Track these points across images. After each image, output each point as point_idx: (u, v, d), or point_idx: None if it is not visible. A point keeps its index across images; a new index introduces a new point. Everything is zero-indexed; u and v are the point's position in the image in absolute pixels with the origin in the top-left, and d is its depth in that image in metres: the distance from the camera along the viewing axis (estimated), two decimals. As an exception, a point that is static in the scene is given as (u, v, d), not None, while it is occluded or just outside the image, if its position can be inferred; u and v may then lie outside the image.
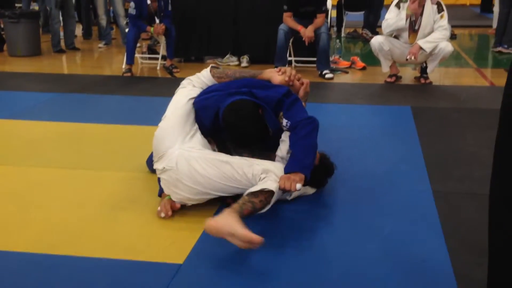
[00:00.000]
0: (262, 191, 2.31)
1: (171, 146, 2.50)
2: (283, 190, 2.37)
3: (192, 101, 2.67)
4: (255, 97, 2.54)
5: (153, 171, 2.71)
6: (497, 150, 1.38)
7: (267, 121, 2.54)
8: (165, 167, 2.47)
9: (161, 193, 2.61)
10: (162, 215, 2.47)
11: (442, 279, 2.00)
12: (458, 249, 2.20)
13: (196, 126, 2.62)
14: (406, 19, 5.06)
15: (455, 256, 2.14)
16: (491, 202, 1.43)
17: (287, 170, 2.43)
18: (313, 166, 2.49)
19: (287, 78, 2.67)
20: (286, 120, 2.51)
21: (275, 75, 2.69)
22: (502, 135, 1.36)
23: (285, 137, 2.57)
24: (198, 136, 2.58)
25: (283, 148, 2.56)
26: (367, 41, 8.32)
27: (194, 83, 2.79)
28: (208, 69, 2.80)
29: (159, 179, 2.60)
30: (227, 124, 2.47)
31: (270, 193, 2.32)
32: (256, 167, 2.40)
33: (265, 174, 2.38)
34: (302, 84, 2.74)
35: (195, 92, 2.72)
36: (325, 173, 2.72)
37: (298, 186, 2.36)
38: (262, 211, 2.33)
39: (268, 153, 2.60)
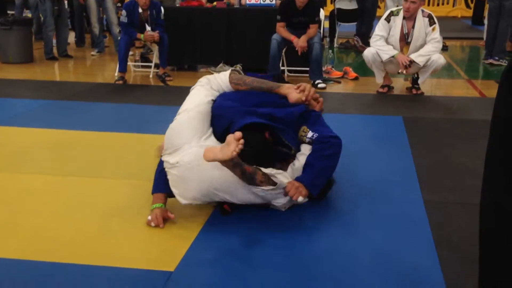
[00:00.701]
0: (270, 175, 2.37)
1: (187, 141, 2.45)
2: (285, 194, 2.41)
3: (211, 103, 2.65)
4: (273, 119, 2.55)
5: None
6: (488, 160, 1.39)
7: (287, 141, 2.56)
8: (178, 162, 2.41)
9: (154, 192, 2.55)
10: (153, 225, 2.45)
11: (434, 287, 2.01)
12: (449, 258, 2.21)
13: (211, 129, 2.61)
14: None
15: (446, 265, 2.15)
16: (482, 211, 1.44)
17: (298, 179, 2.45)
18: (322, 187, 2.54)
19: (304, 98, 2.65)
20: (313, 133, 2.54)
21: (292, 92, 2.66)
22: (492, 145, 1.37)
23: (304, 150, 2.58)
24: (213, 138, 2.56)
25: (302, 160, 2.56)
26: (357, 48, 8.39)
27: (212, 85, 2.76)
28: (228, 73, 2.78)
29: (156, 176, 2.56)
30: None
31: (272, 182, 2.36)
32: (266, 170, 2.41)
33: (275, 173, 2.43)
34: (318, 102, 2.76)
35: (213, 95, 2.71)
36: (323, 188, 2.70)
37: (300, 199, 2.40)
38: (257, 187, 2.38)
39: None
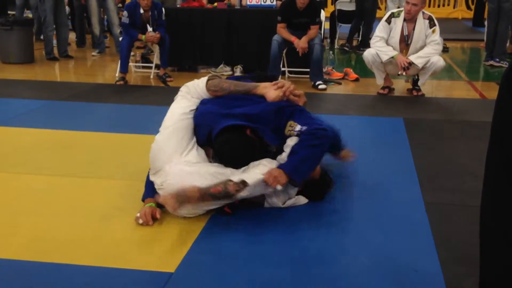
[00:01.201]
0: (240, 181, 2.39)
1: (167, 161, 2.48)
2: (265, 183, 2.41)
3: (191, 113, 2.66)
4: (249, 117, 2.53)
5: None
6: (488, 162, 1.39)
7: (265, 139, 2.55)
8: (163, 183, 2.46)
9: (145, 198, 2.60)
10: (140, 221, 2.46)
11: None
12: (449, 259, 2.21)
13: (195, 139, 2.62)
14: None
15: (446, 266, 2.15)
16: (482, 213, 1.44)
17: (279, 167, 2.44)
18: (306, 176, 2.50)
19: (281, 94, 2.63)
20: (301, 127, 2.50)
21: (269, 91, 2.65)
22: (493, 147, 1.37)
23: (290, 141, 2.55)
24: (194, 152, 2.56)
25: (288, 150, 2.53)
26: (345, 51, 8.43)
27: (192, 93, 2.77)
28: (205, 80, 2.77)
29: (146, 183, 2.59)
30: (221, 158, 2.50)
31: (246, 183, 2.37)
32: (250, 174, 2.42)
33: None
34: (299, 96, 2.73)
35: (194, 103, 2.71)
36: (322, 188, 2.73)
37: (279, 187, 2.40)
38: (239, 197, 2.40)
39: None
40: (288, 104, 2.61)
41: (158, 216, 2.50)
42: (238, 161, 2.48)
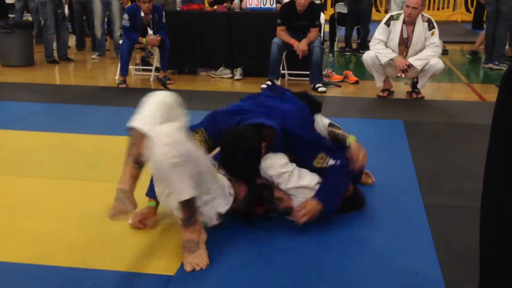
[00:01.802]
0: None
1: None
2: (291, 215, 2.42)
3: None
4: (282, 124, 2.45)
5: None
6: (488, 164, 1.39)
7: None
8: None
9: (149, 194, 2.49)
10: (129, 221, 2.45)
11: (434, 292, 2.01)
12: (450, 262, 2.21)
13: None
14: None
15: (447, 269, 2.15)
16: (482, 215, 1.44)
17: (320, 195, 2.42)
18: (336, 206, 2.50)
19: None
20: (335, 160, 2.46)
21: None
22: (492, 150, 1.37)
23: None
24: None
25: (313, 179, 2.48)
26: (345, 53, 8.46)
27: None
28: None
29: (151, 180, 2.51)
30: (225, 147, 2.41)
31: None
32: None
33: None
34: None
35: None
36: (353, 206, 2.67)
37: (301, 222, 2.38)
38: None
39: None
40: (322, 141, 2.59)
41: (147, 223, 2.47)
42: (237, 163, 2.38)
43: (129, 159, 2.25)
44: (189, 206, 2.15)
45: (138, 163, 2.24)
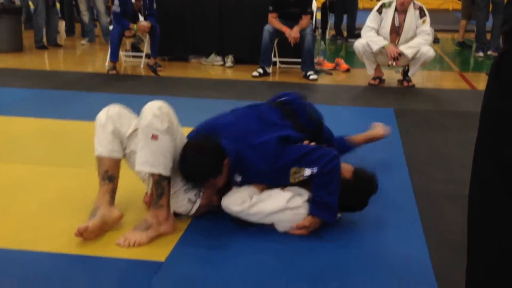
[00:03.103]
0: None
1: None
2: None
3: None
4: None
5: None
6: (477, 151, 1.40)
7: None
8: None
9: None
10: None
11: (422, 277, 2.03)
12: (439, 249, 2.23)
13: None
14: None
15: (436, 255, 2.17)
16: (470, 202, 1.45)
17: (316, 212, 2.29)
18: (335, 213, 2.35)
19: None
20: (311, 169, 2.26)
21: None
22: (481, 136, 1.38)
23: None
24: None
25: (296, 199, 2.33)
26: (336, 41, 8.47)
27: None
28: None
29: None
30: (182, 157, 2.31)
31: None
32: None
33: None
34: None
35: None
36: (363, 191, 2.41)
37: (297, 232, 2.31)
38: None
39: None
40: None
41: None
42: (192, 171, 2.30)
43: (100, 179, 2.37)
44: (159, 185, 2.23)
45: (108, 178, 2.36)
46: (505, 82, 1.21)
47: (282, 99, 2.69)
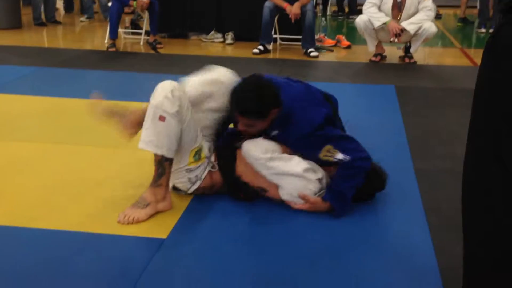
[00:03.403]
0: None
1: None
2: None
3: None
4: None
5: None
6: (471, 129, 1.39)
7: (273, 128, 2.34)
8: None
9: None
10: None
11: (422, 254, 2.04)
12: (439, 226, 2.24)
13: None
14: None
15: (436, 232, 2.18)
16: (464, 181, 1.44)
17: (332, 199, 2.25)
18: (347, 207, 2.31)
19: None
20: (344, 155, 2.24)
21: None
22: (475, 114, 1.38)
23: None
24: None
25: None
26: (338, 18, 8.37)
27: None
28: None
29: None
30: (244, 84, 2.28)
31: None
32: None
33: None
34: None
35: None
36: (377, 184, 2.42)
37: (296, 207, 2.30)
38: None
39: None
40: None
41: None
42: (246, 102, 2.23)
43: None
44: (160, 165, 2.24)
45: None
46: (498, 55, 1.20)
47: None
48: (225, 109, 2.39)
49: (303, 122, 2.29)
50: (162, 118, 2.18)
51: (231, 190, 2.42)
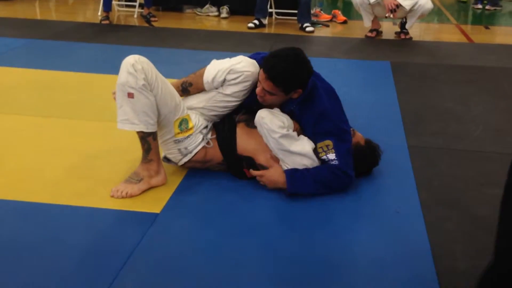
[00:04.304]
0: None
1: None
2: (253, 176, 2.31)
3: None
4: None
5: None
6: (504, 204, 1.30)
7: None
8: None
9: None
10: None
11: (414, 229, 2.06)
12: (431, 202, 2.26)
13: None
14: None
15: (427, 209, 2.20)
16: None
17: (291, 174, 2.23)
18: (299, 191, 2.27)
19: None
20: (335, 159, 2.23)
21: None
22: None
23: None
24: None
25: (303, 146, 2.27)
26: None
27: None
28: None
29: None
30: (270, 57, 2.23)
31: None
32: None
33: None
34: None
35: None
36: (372, 160, 2.44)
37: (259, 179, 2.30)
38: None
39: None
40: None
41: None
42: (282, 71, 2.17)
43: (182, 80, 2.38)
44: (145, 141, 2.24)
45: (183, 89, 2.38)
46: None
47: None
48: (242, 101, 2.37)
49: (323, 104, 2.30)
50: (130, 95, 2.15)
51: (233, 168, 2.39)
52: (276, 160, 2.31)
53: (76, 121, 3.03)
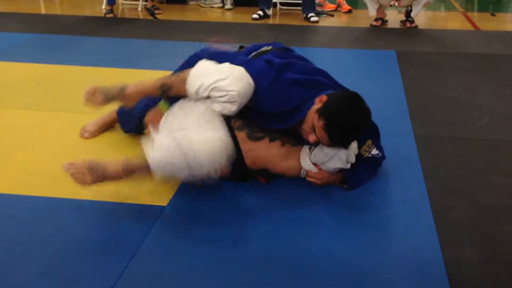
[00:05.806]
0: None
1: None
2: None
3: None
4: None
5: None
6: None
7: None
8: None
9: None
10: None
11: (421, 218, 2.06)
12: (437, 191, 2.25)
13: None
14: None
15: (434, 198, 2.19)
16: None
17: (351, 179, 2.24)
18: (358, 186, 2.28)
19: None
20: (378, 152, 2.31)
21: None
22: None
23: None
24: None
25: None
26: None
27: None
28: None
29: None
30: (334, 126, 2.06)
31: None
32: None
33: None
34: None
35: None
36: None
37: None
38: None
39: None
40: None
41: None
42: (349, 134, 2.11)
43: (161, 81, 2.20)
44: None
45: (162, 91, 2.20)
46: None
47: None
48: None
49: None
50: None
51: (243, 178, 2.29)
52: (295, 158, 2.25)
53: (82, 114, 3.03)
